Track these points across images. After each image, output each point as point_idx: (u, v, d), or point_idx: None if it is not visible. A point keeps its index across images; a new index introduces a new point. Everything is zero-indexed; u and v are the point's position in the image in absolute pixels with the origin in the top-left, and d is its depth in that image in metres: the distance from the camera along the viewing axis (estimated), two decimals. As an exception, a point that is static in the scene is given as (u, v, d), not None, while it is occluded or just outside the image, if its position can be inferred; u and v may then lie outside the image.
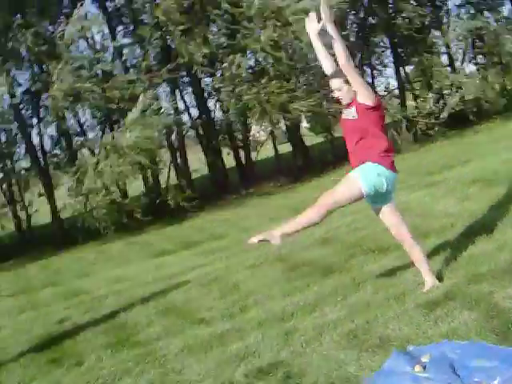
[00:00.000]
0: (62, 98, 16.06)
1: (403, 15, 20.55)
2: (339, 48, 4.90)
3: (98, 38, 19.10)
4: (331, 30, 5.02)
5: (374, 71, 24.04)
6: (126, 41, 19.29)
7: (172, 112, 19.36)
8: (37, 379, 5.63)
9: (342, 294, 5.53)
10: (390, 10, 21.23)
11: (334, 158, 21.69)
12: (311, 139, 23.69)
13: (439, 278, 5.28)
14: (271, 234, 5.03)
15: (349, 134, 5.13)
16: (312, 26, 5.16)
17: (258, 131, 23.37)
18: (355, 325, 4.87)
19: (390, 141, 5.14)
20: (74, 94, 16.15)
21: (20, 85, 18.07)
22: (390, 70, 26.21)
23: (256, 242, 5.06)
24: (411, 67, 23.51)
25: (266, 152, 24.00)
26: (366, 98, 4.90)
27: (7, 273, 14.49)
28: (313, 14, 5.19)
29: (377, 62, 24.21)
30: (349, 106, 5.02)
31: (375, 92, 5.16)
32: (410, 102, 22.97)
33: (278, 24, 17.06)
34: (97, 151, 17.49)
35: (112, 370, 5.34)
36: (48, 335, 7.15)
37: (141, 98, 15.99)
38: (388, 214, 5.14)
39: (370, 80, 22.90)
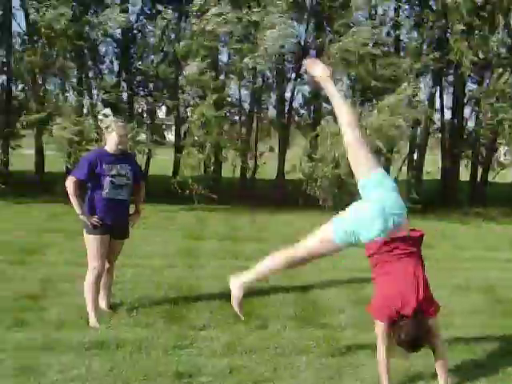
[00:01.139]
0: (339, 61, 16.20)
1: None
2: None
3: (379, 10, 18.83)
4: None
5: None
6: (407, 21, 18.95)
7: (425, 106, 18.92)
8: (220, 327, 5.81)
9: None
10: None
11: None
12: None
13: None
14: None
15: None
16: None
17: (504, 153, 22.16)
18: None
19: None
20: (344, 58, 16.21)
21: (296, 36, 18.42)
22: None
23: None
24: None
25: (506, 177, 22.76)
26: None
27: (218, 215, 15.03)
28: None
29: None
30: None
31: None
32: None
33: None
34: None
35: (292, 343, 5.39)
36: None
37: (404, 85, 15.71)
38: None
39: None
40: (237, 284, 5.13)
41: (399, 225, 4.58)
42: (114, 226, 6.09)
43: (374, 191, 4.71)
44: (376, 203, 4.62)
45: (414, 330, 4.30)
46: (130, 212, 6.39)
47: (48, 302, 6.59)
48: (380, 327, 4.49)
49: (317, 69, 5.19)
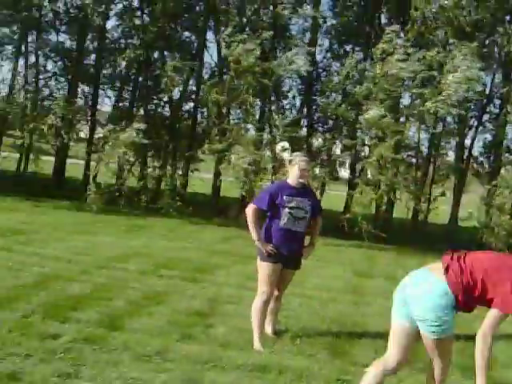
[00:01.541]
0: None
1: None
2: None
3: None
4: None
5: None
6: None
7: None
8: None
9: None
10: None
11: None
12: None
13: None
14: None
15: None
16: None
17: None
18: None
19: None
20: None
21: (483, 84, 18.24)
22: None
23: None
24: None
25: None
26: None
27: (387, 254, 14.78)
28: None
29: None
30: None
31: None
32: None
33: None
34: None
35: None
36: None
37: None
38: None
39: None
40: None
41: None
42: (288, 256, 6.20)
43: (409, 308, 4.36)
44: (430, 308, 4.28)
45: None
46: (305, 244, 6.49)
47: (215, 320, 6.80)
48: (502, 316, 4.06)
49: None
